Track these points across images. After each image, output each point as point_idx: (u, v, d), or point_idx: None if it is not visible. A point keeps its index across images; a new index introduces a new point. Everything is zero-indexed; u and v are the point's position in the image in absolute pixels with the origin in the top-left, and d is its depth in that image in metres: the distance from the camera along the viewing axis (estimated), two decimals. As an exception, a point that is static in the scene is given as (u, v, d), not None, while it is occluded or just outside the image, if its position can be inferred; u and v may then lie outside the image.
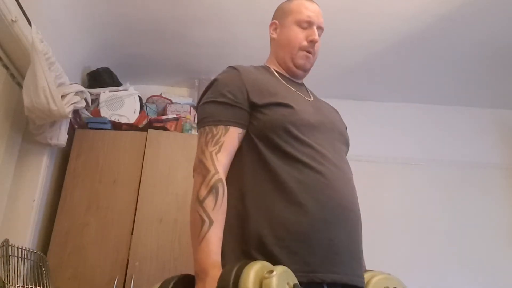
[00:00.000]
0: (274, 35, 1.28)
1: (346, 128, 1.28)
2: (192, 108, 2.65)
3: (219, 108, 1.08)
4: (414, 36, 2.36)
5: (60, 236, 2.01)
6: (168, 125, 2.48)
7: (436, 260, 2.63)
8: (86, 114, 2.32)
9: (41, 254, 1.81)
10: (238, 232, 0.97)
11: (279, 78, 1.22)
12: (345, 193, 1.04)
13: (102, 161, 2.18)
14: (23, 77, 1.79)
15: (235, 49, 2.53)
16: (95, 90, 2.42)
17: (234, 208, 1.00)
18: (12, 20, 1.58)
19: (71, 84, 1.94)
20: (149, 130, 2.29)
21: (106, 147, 2.22)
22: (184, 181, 2.16)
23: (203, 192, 0.96)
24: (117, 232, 2.04)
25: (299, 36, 1.21)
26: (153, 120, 2.49)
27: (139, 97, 2.54)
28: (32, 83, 1.66)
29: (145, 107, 2.60)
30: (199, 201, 0.95)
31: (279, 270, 0.80)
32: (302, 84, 1.30)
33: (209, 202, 0.95)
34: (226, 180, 1.02)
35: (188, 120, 2.50)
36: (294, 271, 0.86)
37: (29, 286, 1.65)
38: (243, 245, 0.95)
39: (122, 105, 2.44)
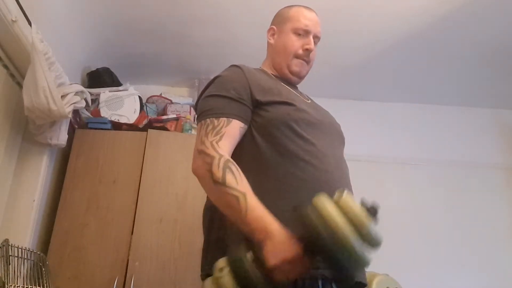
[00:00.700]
0: (272, 41, 1.30)
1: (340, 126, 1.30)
2: (192, 108, 2.65)
3: (222, 101, 1.07)
4: (414, 36, 2.36)
5: (60, 236, 2.02)
6: (168, 125, 2.48)
7: (436, 260, 2.63)
8: (86, 114, 2.32)
9: (41, 254, 1.81)
10: (240, 231, 0.97)
11: (278, 80, 1.24)
12: None
13: (102, 161, 2.18)
14: (23, 77, 1.78)
15: (235, 49, 2.53)
16: (95, 90, 2.42)
17: None
18: (12, 20, 1.58)
19: (71, 84, 1.94)
20: (149, 130, 2.29)
21: (106, 147, 2.22)
22: (184, 181, 2.17)
23: (219, 174, 0.93)
24: (117, 232, 2.04)
25: (295, 44, 1.23)
26: (153, 120, 2.48)
27: (139, 97, 2.54)
28: (32, 83, 1.66)
29: (145, 107, 2.60)
30: (220, 184, 0.92)
31: (345, 192, 0.81)
32: (297, 88, 1.32)
33: (230, 179, 0.92)
34: None
35: (188, 120, 2.50)
36: None
37: (29, 286, 1.64)
38: (247, 241, 0.95)
39: (122, 105, 2.44)
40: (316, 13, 1.28)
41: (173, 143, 2.27)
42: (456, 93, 2.97)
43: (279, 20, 1.30)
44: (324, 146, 1.08)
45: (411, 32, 2.33)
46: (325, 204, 0.77)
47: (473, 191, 2.86)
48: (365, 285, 1.02)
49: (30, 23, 1.65)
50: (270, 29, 1.32)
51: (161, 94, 2.78)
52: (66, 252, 1.98)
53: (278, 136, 1.05)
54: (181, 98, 2.76)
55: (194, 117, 2.59)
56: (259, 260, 0.80)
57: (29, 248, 1.76)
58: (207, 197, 1.12)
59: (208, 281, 0.83)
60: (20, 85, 1.87)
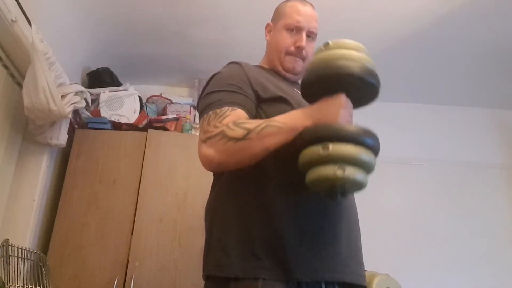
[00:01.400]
0: (268, 37, 1.30)
1: None
2: (192, 108, 2.65)
3: (224, 94, 1.04)
4: (414, 36, 2.36)
5: (60, 236, 2.02)
6: (168, 125, 2.48)
7: (436, 260, 2.63)
8: (86, 114, 2.32)
9: (41, 254, 1.81)
10: (242, 233, 0.97)
11: (276, 75, 1.23)
12: None
13: (102, 161, 2.18)
14: (23, 77, 1.78)
15: (235, 49, 2.53)
16: (95, 90, 2.42)
17: (235, 207, 1.00)
18: (12, 20, 1.58)
19: (71, 84, 1.94)
20: (149, 130, 2.29)
21: (106, 147, 2.22)
22: (184, 181, 2.16)
23: (238, 132, 0.92)
24: (117, 232, 2.04)
25: (287, 41, 1.21)
26: (153, 120, 2.49)
27: (139, 97, 2.54)
28: (32, 83, 1.66)
29: (145, 107, 2.60)
30: (244, 137, 0.91)
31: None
32: (297, 83, 1.31)
33: (249, 126, 0.93)
34: (226, 182, 1.01)
35: (188, 120, 2.50)
36: (299, 272, 0.87)
37: (29, 286, 1.65)
38: (248, 245, 0.95)
39: (122, 105, 2.44)
40: (312, 6, 1.26)
41: (173, 143, 2.27)
42: (456, 93, 2.97)
43: (276, 16, 1.29)
44: None
45: (411, 32, 2.33)
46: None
47: (473, 191, 2.86)
48: (364, 287, 1.02)
49: (30, 23, 1.65)
50: (267, 25, 1.31)
51: (161, 94, 2.78)
52: (66, 252, 1.98)
53: None
54: (181, 98, 2.76)
55: (194, 117, 2.59)
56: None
57: (29, 248, 1.76)
58: (208, 198, 1.12)
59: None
60: (20, 85, 1.87)
